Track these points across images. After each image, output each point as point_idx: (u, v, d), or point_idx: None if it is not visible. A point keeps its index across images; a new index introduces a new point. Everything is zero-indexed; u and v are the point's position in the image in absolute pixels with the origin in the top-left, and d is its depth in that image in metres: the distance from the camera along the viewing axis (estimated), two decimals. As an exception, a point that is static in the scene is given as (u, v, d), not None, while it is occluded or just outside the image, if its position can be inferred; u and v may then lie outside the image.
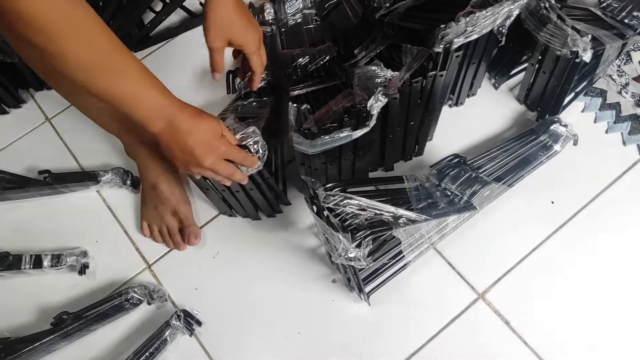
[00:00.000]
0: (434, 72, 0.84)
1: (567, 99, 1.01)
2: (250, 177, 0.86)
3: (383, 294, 0.92)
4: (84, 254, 0.99)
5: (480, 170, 0.95)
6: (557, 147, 0.98)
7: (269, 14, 1.15)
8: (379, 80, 0.85)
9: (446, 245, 0.95)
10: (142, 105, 0.68)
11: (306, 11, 1.13)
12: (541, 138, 0.98)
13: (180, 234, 1.00)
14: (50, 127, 1.16)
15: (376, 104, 0.81)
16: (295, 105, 0.86)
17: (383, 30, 0.95)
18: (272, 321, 0.92)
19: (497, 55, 1.03)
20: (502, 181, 0.94)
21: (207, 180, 0.90)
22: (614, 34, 0.97)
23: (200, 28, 1.21)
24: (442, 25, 0.83)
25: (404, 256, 0.90)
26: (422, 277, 0.93)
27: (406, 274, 0.93)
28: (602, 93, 1.04)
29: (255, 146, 0.83)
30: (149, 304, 0.95)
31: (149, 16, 1.21)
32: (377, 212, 0.83)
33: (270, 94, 1.01)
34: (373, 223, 0.81)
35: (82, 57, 0.61)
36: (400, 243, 0.89)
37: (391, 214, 0.83)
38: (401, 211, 0.84)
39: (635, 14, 1.00)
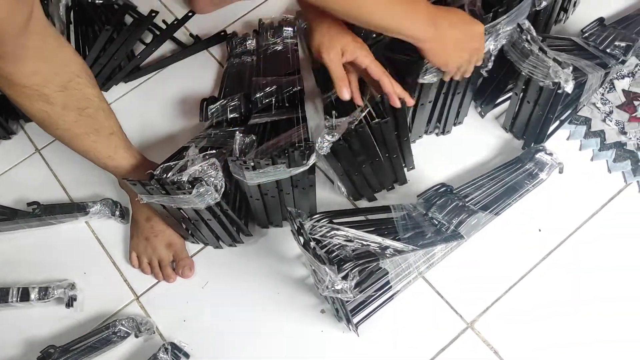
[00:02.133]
0: (378, 120, 0.86)
1: (551, 128, 1.02)
2: (208, 208, 0.87)
3: (372, 324, 0.91)
4: (72, 286, 0.99)
5: (467, 199, 0.96)
6: (542, 175, 0.98)
7: (250, 44, 1.17)
8: (327, 124, 0.87)
9: (434, 275, 0.95)
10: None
11: (288, 40, 1.15)
12: (527, 166, 0.99)
13: (171, 267, 1.00)
14: (40, 158, 1.16)
15: (322, 145, 0.83)
16: (240, 134, 0.87)
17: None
18: (261, 353, 0.92)
19: (483, 84, 1.04)
20: (489, 210, 0.95)
21: (165, 208, 0.91)
22: (596, 64, 0.99)
23: (192, 58, 1.24)
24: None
25: (391, 286, 0.90)
26: (411, 307, 0.93)
27: (395, 303, 0.92)
28: (587, 121, 1.05)
29: (213, 180, 0.83)
30: (136, 336, 0.94)
31: (140, 47, 1.23)
32: (364, 243, 0.83)
33: (243, 123, 1.03)
34: (360, 254, 0.81)
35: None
36: (387, 274, 0.89)
37: (378, 245, 0.84)
38: (388, 241, 0.85)
39: (617, 43, 1.02)
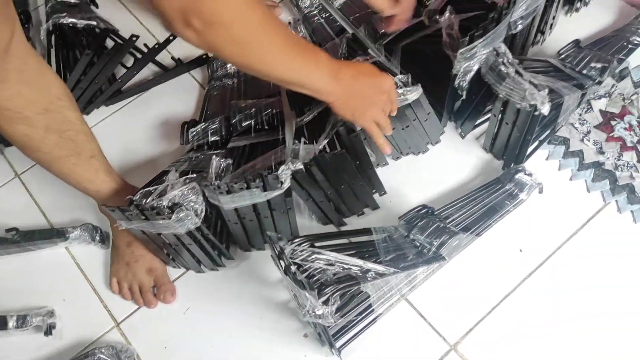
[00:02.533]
0: (333, 151, 0.88)
1: (530, 148, 1.03)
2: (189, 233, 0.87)
3: (355, 347, 0.91)
4: (51, 313, 0.97)
5: (448, 221, 0.96)
6: (522, 195, 0.99)
7: (231, 66, 1.18)
8: (292, 150, 0.88)
9: (417, 296, 0.94)
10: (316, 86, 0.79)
11: None
12: (507, 187, 1.00)
13: (152, 292, 0.99)
14: (19, 183, 1.15)
15: (285, 172, 0.83)
16: (217, 158, 0.88)
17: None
18: (243, 379, 0.91)
19: (462, 106, 1.05)
20: (470, 231, 0.95)
21: (145, 234, 0.90)
22: (573, 85, 1.00)
23: (173, 81, 1.24)
24: None
25: (373, 309, 0.90)
26: (394, 330, 0.92)
27: (378, 326, 0.92)
28: (565, 141, 1.07)
29: (193, 204, 0.83)
30: (116, 364, 0.93)
31: (121, 70, 1.22)
32: (345, 266, 0.83)
33: (224, 145, 1.03)
34: (341, 278, 0.81)
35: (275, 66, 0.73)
36: (369, 297, 0.89)
37: (359, 268, 0.83)
38: (369, 265, 0.85)
39: (592, 64, 1.04)
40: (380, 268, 0.85)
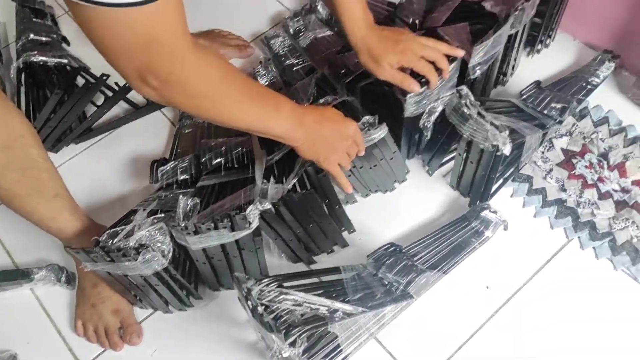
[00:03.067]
0: (302, 191, 0.89)
1: (495, 186, 1.06)
2: (156, 274, 0.87)
3: None
4: (14, 357, 0.95)
5: (415, 258, 0.97)
6: (488, 233, 1.01)
7: None
8: (264, 188, 0.89)
9: (386, 335, 0.95)
10: (292, 119, 0.81)
11: None
12: (473, 224, 1.02)
13: (119, 334, 0.98)
14: (-16, 222, 1.13)
15: (254, 212, 0.84)
16: (184, 198, 0.88)
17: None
18: (210, 423, 0.90)
19: (429, 144, 1.08)
20: (437, 268, 0.96)
21: (111, 275, 0.90)
22: (534, 125, 1.04)
23: (144, 119, 1.25)
24: None
25: (342, 350, 0.90)
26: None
27: (347, 366, 0.92)
28: (529, 179, 1.09)
29: (160, 245, 0.83)
30: (80, 409, 0.91)
31: (92, 108, 1.23)
32: (313, 306, 0.83)
33: (193, 184, 1.03)
34: (308, 319, 0.81)
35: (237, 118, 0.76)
36: (337, 337, 0.88)
37: (327, 308, 0.84)
38: (337, 304, 0.85)
39: (553, 105, 1.08)
40: (348, 308, 0.85)
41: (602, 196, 1.06)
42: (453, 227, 1.02)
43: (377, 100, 1.02)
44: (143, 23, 0.59)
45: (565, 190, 1.07)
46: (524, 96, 1.11)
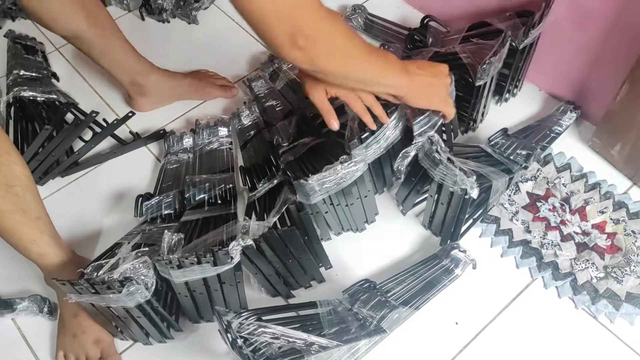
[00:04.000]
0: (284, 228, 0.94)
1: (465, 227, 1.12)
2: (139, 306, 0.90)
3: None
4: (-8, 387, 0.96)
5: (389, 294, 1.02)
6: (457, 271, 1.06)
7: (187, 142, 1.24)
8: (246, 224, 0.93)
9: (359, 368, 0.98)
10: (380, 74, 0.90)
11: (223, 139, 1.23)
12: (443, 262, 1.07)
13: (98, 363, 1.00)
14: (-33, 252, 1.15)
15: (236, 247, 0.89)
16: (169, 233, 0.93)
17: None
18: None
19: (403, 186, 1.14)
20: (410, 304, 1.01)
21: (94, 306, 0.92)
22: (501, 170, 1.11)
23: (130, 154, 1.29)
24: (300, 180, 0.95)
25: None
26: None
27: (321, 399, 0.95)
28: (497, 220, 1.16)
29: (144, 278, 0.87)
30: None
31: (79, 143, 1.26)
32: (290, 340, 0.87)
33: (177, 219, 1.07)
34: (285, 352, 0.84)
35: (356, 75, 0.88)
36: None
37: (303, 341, 0.87)
38: (313, 338, 0.88)
39: (519, 151, 1.15)
40: (323, 341, 0.89)
41: (564, 238, 1.13)
42: (425, 265, 1.07)
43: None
44: None
45: (530, 232, 1.14)
46: (492, 142, 1.18)
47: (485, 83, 1.15)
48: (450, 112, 1.03)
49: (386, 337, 0.98)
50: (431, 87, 0.98)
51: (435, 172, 1.00)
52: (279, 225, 0.96)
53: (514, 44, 1.17)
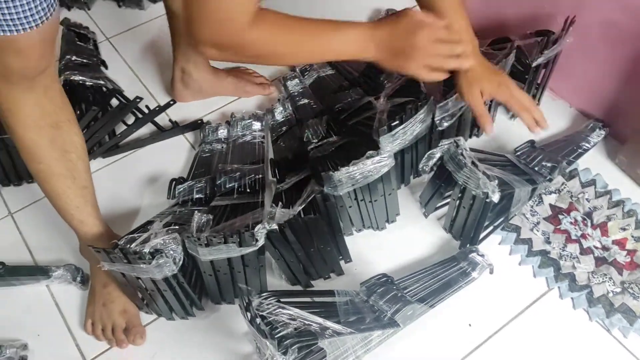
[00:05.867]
0: (309, 216, 0.97)
1: (485, 233, 1.14)
2: (165, 279, 0.94)
3: None
4: (24, 346, 1.02)
5: (405, 290, 1.04)
6: (474, 274, 1.08)
7: (222, 133, 1.30)
8: (272, 211, 0.97)
9: (368, 357, 1.01)
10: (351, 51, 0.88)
11: (256, 133, 1.28)
12: (461, 265, 1.10)
13: (124, 334, 1.05)
14: (11, 221, 1.22)
15: (261, 230, 0.92)
16: (199, 213, 0.97)
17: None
18: None
19: (427, 188, 1.17)
20: (425, 302, 1.03)
21: (124, 276, 0.97)
22: (525, 179, 1.13)
23: (167, 141, 1.35)
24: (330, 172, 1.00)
25: (328, 366, 0.96)
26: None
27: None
28: (517, 229, 1.17)
29: (173, 253, 0.91)
30: (80, 400, 0.97)
31: (121, 127, 1.33)
32: (306, 322, 0.90)
33: (206, 203, 1.12)
34: (301, 332, 0.88)
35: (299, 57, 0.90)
36: (325, 356, 0.95)
37: (319, 325, 0.91)
38: (329, 323, 0.92)
39: (544, 163, 1.17)
40: (338, 327, 0.92)
41: (584, 251, 1.14)
42: (442, 266, 1.10)
43: (359, 136, 1.12)
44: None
45: (549, 243, 1.15)
46: (518, 152, 1.20)
47: None
48: (428, 78, 0.89)
49: (399, 331, 1.00)
50: (400, 47, 0.87)
51: (459, 175, 1.03)
52: (302, 215, 1.00)
53: (527, 61, 1.20)
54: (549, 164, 1.17)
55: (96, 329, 1.05)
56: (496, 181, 0.99)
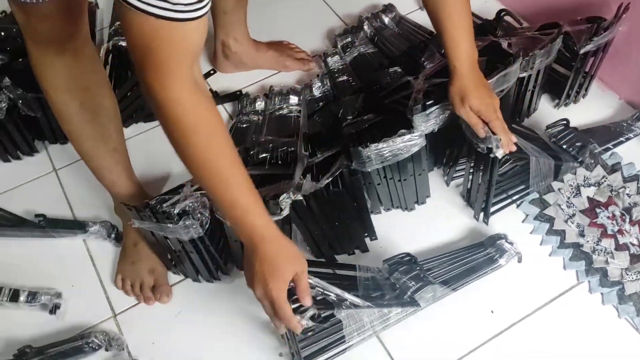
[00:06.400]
0: (335, 189, 0.97)
1: (502, 203, 1.14)
2: (192, 241, 0.96)
3: None
4: (59, 295, 1.08)
5: (429, 272, 1.04)
6: (501, 261, 1.07)
7: (259, 105, 1.31)
8: (299, 182, 0.98)
9: (389, 338, 1.02)
10: (233, 220, 0.79)
11: (293, 107, 1.29)
12: (488, 250, 1.08)
13: (151, 291, 1.09)
14: (55, 177, 1.28)
15: (286, 200, 0.93)
16: None
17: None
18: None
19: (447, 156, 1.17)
20: (447, 285, 1.03)
21: (154, 235, 1.00)
22: (548, 154, 1.10)
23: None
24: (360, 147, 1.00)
25: (345, 339, 0.97)
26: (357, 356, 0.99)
27: (348, 357, 0.99)
28: (551, 220, 1.14)
29: (200, 216, 0.94)
30: (106, 350, 1.02)
31: (163, 94, 1.37)
32: (325, 292, 0.91)
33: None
34: (318, 301, 0.89)
35: (198, 166, 0.76)
36: (341, 330, 0.95)
37: (337, 296, 0.92)
38: (347, 295, 0.93)
39: (573, 142, 1.14)
40: (356, 300, 0.93)
41: (619, 247, 1.10)
42: (469, 250, 1.09)
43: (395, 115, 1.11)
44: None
45: (583, 236, 1.12)
46: (549, 129, 1.17)
47: (530, 76, 1.15)
48: (265, 310, 0.83)
49: (419, 311, 1.00)
50: (258, 263, 0.79)
51: (465, 129, 1.02)
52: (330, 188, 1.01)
53: (575, 47, 1.16)
54: (578, 144, 1.14)
55: (125, 284, 1.10)
56: (499, 137, 0.97)
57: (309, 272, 0.93)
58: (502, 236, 1.09)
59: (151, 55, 0.67)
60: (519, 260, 1.08)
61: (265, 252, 0.78)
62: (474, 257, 1.08)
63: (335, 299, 0.91)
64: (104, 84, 1.00)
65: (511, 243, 1.08)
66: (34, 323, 1.06)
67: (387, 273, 1.02)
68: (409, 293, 0.99)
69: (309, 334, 0.88)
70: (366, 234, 1.12)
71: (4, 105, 1.19)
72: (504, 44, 1.15)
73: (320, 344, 0.96)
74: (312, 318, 0.85)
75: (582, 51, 1.16)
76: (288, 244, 0.81)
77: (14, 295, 1.06)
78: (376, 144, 1.00)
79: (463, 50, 0.97)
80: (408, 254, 1.05)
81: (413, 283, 1.00)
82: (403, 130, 1.01)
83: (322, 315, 0.88)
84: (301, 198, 0.96)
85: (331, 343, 0.97)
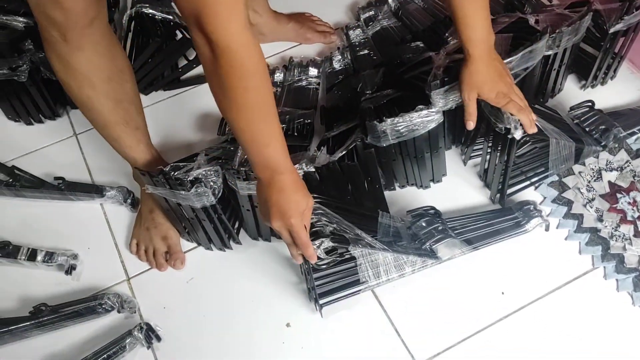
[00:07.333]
0: (347, 162, 0.97)
1: (520, 185, 1.12)
2: (204, 209, 0.97)
3: (337, 308, 0.99)
4: (75, 256, 1.10)
5: (452, 229, 1.04)
6: (528, 226, 1.06)
7: (278, 76, 1.30)
8: (313, 154, 0.98)
9: (396, 304, 1.02)
10: (260, 156, 0.80)
11: (312, 79, 1.28)
12: (516, 215, 1.08)
13: (164, 258, 1.10)
14: (75, 141, 1.30)
15: (299, 170, 0.93)
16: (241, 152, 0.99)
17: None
18: (226, 349, 1.01)
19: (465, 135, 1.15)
20: (468, 243, 1.02)
21: (167, 202, 1.01)
22: (570, 137, 1.07)
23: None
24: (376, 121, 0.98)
25: (359, 282, 0.97)
26: (363, 335, 1.00)
27: (350, 323, 1.00)
28: (569, 203, 1.12)
29: (212, 184, 0.94)
30: (119, 312, 1.04)
31: (183, 62, 1.37)
32: (343, 228, 0.91)
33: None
34: (335, 236, 0.89)
35: (253, 108, 0.76)
36: (356, 266, 0.95)
37: (354, 234, 0.92)
38: (365, 235, 0.93)
39: (597, 125, 1.11)
40: (372, 241, 0.93)
41: (638, 234, 1.07)
42: (495, 214, 1.08)
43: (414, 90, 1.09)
44: None
45: (602, 221, 1.09)
46: (572, 111, 1.14)
47: (556, 54, 1.11)
48: (284, 239, 0.86)
49: (436, 264, 1.00)
50: (275, 195, 0.82)
51: (487, 110, 0.99)
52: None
53: (605, 26, 1.11)
54: (601, 127, 1.11)
55: (139, 249, 1.11)
56: (519, 119, 0.94)
57: (332, 206, 0.93)
58: (531, 202, 1.08)
59: (210, 1, 0.66)
60: (547, 229, 1.07)
61: (283, 183, 0.81)
62: (500, 220, 1.07)
63: (352, 236, 0.91)
64: (124, 67, 1.00)
65: (540, 210, 1.07)
66: (50, 282, 1.09)
67: (409, 223, 1.02)
68: (428, 244, 0.99)
69: (323, 266, 0.89)
70: (379, 210, 1.11)
71: (26, 68, 1.20)
72: (531, 21, 1.12)
73: (335, 284, 0.97)
74: (327, 252, 0.85)
75: (611, 30, 1.12)
76: (300, 179, 0.85)
77: (32, 255, 1.09)
78: (392, 119, 0.98)
79: (478, 33, 0.93)
80: (433, 207, 1.05)
81: (434, 234, 1.00)
82: (420, 106, 0.99)
83: (338, 250, 0.89)
84: (313, 170, 0.95)
85: (346, 284, 0.97)
